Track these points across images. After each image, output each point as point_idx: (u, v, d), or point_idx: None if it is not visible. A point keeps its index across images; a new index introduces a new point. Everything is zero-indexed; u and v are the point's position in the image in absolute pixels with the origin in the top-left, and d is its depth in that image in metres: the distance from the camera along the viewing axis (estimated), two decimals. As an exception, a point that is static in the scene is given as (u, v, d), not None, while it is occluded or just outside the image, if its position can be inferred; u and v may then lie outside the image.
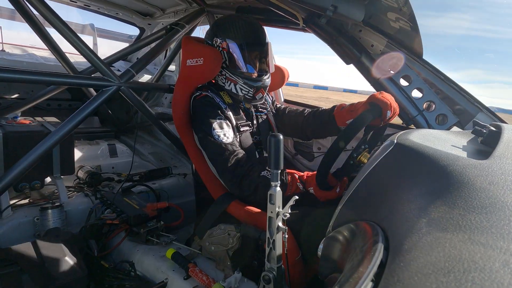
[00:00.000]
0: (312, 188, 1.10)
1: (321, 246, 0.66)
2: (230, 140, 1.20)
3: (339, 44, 1.28)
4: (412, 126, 1.28)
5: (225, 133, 1.20)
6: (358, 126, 1.04)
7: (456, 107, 1.21)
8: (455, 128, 1.21)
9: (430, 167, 0.51)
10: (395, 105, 1.10)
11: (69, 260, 1.08)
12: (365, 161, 1.04)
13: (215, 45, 1.31)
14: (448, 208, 0.41)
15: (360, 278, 0.37)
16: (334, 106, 1.37)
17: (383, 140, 0.83)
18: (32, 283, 0.98)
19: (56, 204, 1.40)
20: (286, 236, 0.74)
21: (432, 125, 1.21)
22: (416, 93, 1.24)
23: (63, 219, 1.39)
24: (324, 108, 1.46)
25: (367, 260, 0.40)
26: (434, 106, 1.21)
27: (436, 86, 1.22)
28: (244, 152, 1.22)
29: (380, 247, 0.41)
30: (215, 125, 1.20)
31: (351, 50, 1.26)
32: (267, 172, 1.15)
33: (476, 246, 0.32)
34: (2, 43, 2.30)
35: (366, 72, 1.30)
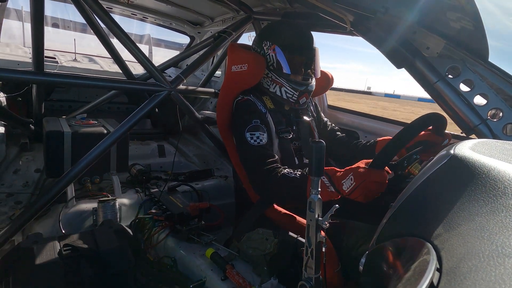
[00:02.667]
0: (351, 175, 0.91)
1: (363, 260, 0.62)
2: (262, 143, 1.21)
3: (390, 47, 1.21)
4: (473, 136, 1.15)
5: (258, 136, 1.21)
6: (426, 120, 0.98)
7: (530, 116, 1.05)
8: (528, 140, 1.05)
9: (494, 183, 0.45)
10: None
11: (120, 251, 1.17)
12: (416, 172, 0.96)
13: (264, 48, 1.34)
14: (517, 230, 0.36)
15: (407, 299, 0.34)
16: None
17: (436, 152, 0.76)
18: (88, 268, 1.08)
19: (112, 198, 1.53)
20: (326, 245, 0.71)
21: (498, 135, 1.07)
22: (479, 100, 1.12)
23: (117, 212, 1.52)
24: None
25: (415, 280, 0.37)
26: (501, 114, 1.07)
27: (504, 92, 1.08)
28: (276, 157, 1.21)
29: (432, 267, 0.38)
30: (250, 128, 1.22)
31: (403, 53, 1.18)
32: (288, 171, 1.12)
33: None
34: (75, 53, 2.62)
35: (419, 77, 1.20)
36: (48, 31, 2.74)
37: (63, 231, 1.39)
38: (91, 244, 1.15)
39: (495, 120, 1.08)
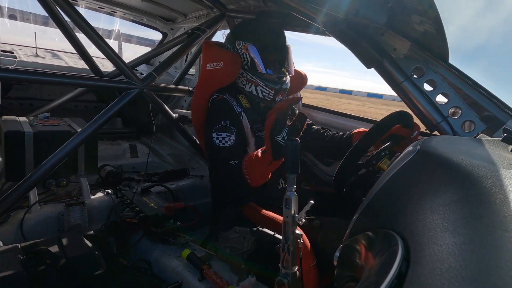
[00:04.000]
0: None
1: (337, 254, 0.64)
2: (226, 145, 1.20)
3: (360, 48, 1.26)
4: (436, 133, 1.23)
5: (224, 137, 1.20)
6: (392, 119, 1.08)
7: (485, 113, 1.14)
8: (482, 136, 1.15)
9: (455, 176, 0.48)
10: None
11: (90, 256, 1.12)
12: (385, 167, 1.01)
13: (237, 47, 1.33)
14: (474, 219, 0.39)
15: (378, 288, 0.36)
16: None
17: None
18: (55, 276, 1.02)
19: (80, 201, 1.45)
20: (301, 241, 0.73)
21: (457, 132, 1.16)
22: (441, 99, 1.19)
23: (86, 216, 1.44)
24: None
25: (385, 270, 0.39)
26: (460, 112, 1.16)
27: (463, 91, 1.16)
28: (238, 160, 1.20)
29: (400, 257, 0.40)
30: (217, 128, 1.21)
31: (372, 53, 1.24)
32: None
33: (504, 261, 0.31)
34: (36, 47, 2.44)
35: (387, 76, 1.26)
36: (5, 23, 2.53)
37: (25, 239, 1.30)
38: (58, 251, 1.09)
39: (455, 117, 1.16)
